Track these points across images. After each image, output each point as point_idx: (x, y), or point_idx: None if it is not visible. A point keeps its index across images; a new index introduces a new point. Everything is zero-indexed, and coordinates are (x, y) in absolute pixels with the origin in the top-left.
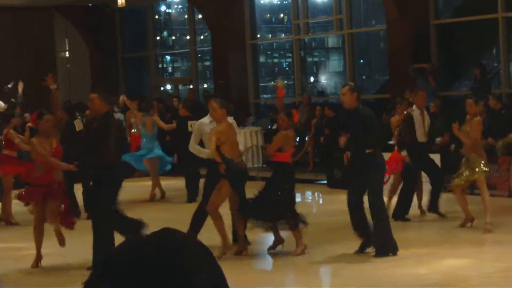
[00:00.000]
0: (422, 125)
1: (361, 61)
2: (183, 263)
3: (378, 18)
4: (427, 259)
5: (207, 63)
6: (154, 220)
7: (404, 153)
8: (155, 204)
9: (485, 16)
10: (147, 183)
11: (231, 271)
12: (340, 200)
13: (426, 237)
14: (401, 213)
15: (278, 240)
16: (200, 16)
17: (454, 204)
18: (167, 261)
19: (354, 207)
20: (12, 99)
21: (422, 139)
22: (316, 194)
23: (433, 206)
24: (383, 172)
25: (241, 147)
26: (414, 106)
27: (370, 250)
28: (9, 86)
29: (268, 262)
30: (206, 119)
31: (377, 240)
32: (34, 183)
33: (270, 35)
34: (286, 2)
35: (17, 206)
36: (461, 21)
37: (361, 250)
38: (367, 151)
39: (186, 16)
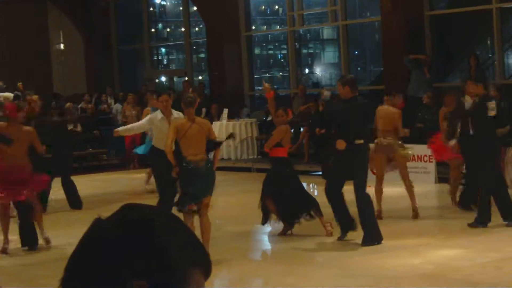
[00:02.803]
0: None
1: (356, 52)
2: (153, 234)
3: (372, 9)
4: (421, 250)
5: (202, 55)
6: None
7: (452, 142)
8: (149, 196)
9: (479, 7)
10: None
11: (225, 262)
12: None
13: (420, 228)
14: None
15: (287, 226)
16: (194, 8)
17: (449, 196)
18: (136, 236)
19: (333, 197)
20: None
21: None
22: (311, 185)
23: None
24: (368, 164)
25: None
26: (466, 96)
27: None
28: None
29: (261, 253)
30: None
31: (364, 229)
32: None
33: (265, 27)
34: None
35: None
36: (455, 12)
37: (342, 237)
38: (357, 141)
39: (180, 8)
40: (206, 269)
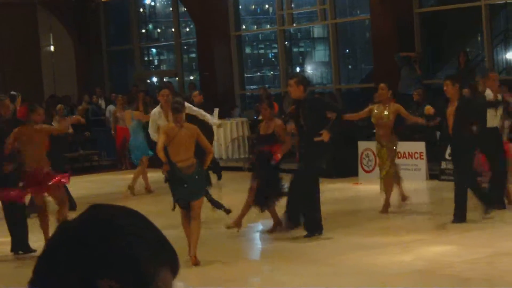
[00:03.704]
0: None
1: (347, 50)
2: (119, 233)
3: (362, 7)
4: (412, 246)
5: (193, 55)
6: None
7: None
8: (138, 197)
9: (468, 4)
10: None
11: (218, 262)
12: (325, 189)
13: (411, 224)
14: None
15: (277, 223)
16: (184, 8)
17: (441, 192)
18: (103, 236)
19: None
20: None
21: (492, 124)
22: None
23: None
24: (316, 157)
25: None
26: (488, 90)
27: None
28: None
29: (254, 252)
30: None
31: (308, 220)
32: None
33: (255, 26)
34: None
35: None
36: (445, 9)
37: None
38: (315, 139)
39: (170, 9)
40: (174, 268)
